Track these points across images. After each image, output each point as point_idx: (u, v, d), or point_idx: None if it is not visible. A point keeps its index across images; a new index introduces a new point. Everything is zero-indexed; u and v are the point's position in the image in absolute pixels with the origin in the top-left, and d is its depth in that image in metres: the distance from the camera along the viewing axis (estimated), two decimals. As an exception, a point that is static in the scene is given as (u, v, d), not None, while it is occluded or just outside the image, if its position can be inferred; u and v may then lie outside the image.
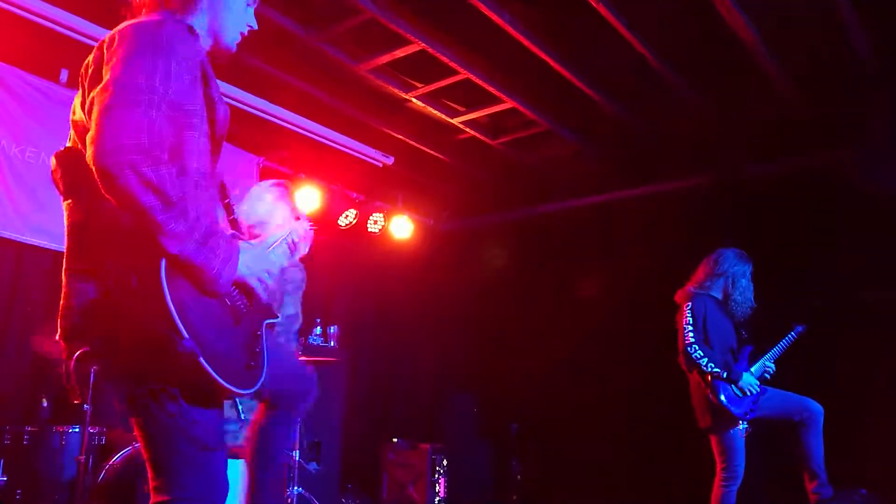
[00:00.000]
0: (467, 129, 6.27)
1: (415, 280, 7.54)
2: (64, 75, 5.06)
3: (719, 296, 4.43)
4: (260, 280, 1.88)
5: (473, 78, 5.31)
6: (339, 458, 6.19)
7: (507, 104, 5.73)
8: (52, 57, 4.97)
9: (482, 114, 6.02)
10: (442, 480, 6.40)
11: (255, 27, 2.10)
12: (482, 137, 6.39)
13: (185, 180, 1.79)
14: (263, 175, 6.37)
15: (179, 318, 1.65)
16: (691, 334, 4.17)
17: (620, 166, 6.54)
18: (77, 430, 4.01)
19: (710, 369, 4.12)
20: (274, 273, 1.93)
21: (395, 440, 6.67)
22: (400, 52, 5.08)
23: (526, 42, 4.80)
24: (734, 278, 4.41)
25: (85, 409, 3.85)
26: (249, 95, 5.46)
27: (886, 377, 5.18)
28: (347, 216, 6.76)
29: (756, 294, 4.40)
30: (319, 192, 6.36)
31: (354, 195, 6.89)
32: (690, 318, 4.21)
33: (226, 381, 1.73)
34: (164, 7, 1.92)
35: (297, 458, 4.90)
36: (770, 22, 4.59)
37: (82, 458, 3.83)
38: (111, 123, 1.62)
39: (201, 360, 1.67)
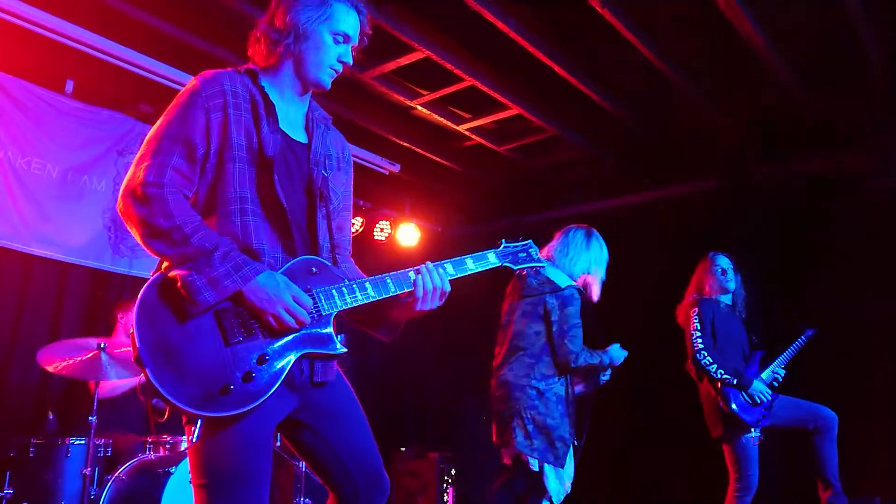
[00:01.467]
0: (473, 136, 6.24)
1: (423, 287, 7.49)
2: (69, 86, 5.08)
3: (728, 300, 4.37)
4: (276, 313, 1.84)
5: (479, 84, 5.29)
6: (347, 467, 6.14)
7: (513, 110, 5.70)
8: (58, 68, 4.99)
9: (488, 120, 6.00)
10: (451, 490, 6.35)
11: (349, 62, 2.18)
12: (488, 144, 6.37)
13: (208, 202, 1.94)
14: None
15: (138, 327, 1.73)
16: (699, 340, 4.10)
17: (627, 170, 6.49)
18: (83, 441, 3.99)
19: (719, 376, 4.05)
20: (304, 307, 1.89)
21: (403, 449, 6.62)
22: (405, 60, 5.06)
23: (530, 47, 4.77)
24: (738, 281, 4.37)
25: (90, 420, 3.83)
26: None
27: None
28: (354, 224, 6.74)
29: (765, 298, 4.34)
30: (326, 201, 6.33)
31: (361, 203, 6.88)
32: (698, 324, 4.14)
33: (175, 399, 1.70)
34: (252, 61, 2.15)
35: (304, 468, 4.86)
36: (777, 24, 4.55)
37: (88, 470, 3.81)
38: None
39: (148, 371, 1.70)
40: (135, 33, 4.69)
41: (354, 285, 2.01)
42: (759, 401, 4.05)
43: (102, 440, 4.10)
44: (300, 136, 2.14)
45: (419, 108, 5.77)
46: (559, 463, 3.46)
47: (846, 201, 5.41)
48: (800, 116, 5.52)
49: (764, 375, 4.19)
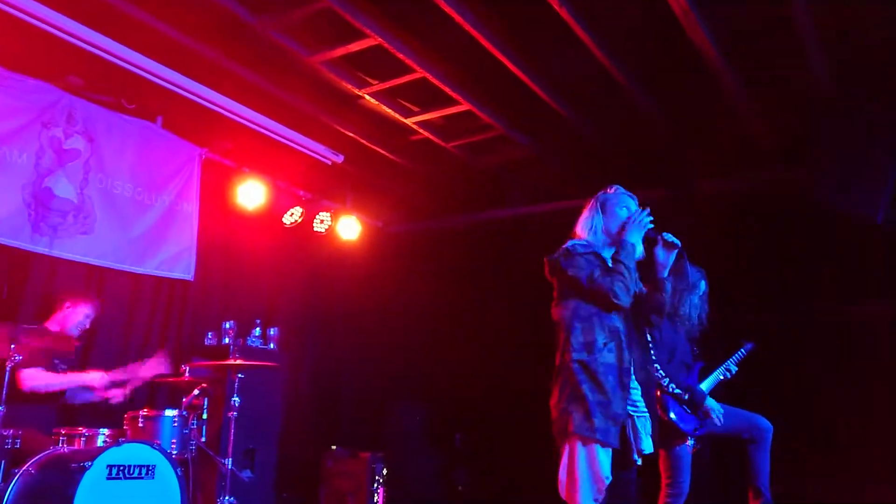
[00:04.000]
0: (421, 130, 6.11)
1: (361, 283, 7.34)
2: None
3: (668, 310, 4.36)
4: None
5: (430, 77, 5.17)
6: (275, 465, 5.95)
7: (464, 106, 5.60)
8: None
9: (437, 115, 5.88)
10: (381, 490, 6.21)
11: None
12: (436, 139, 6.25)
13: None
14: (205, 167, 6.10)
15: None
16: (653, 354, 4.08)
17: (575, 175, 6.47)
18: (-11, 432, 3.69)
19: (672, 390, 4.06)
20: None
21: (334, 448, 6.45)
22: (355, 46, 4.89)
23: (487, 44, 4.67)
24: (682, 294, 4.35)
25: (-2, 410, 3.55)
26: (192, 82, 5.20)
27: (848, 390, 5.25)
28: (293, 214, 6.53)
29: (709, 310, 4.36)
30: (264, 188, 6.13)
31: (301, 193, 6.67)
32: (649, 337, 4.13)
33: None
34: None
35: (230, 466, 4.65)
36: (732, 39, 4.59)
37: (-7, 463, 3.53)
38: None
39: None
40: (68, -1, 4.40)
41: None
42: (714, 419, 4.08)
43: (11, 431, 3.80)
44: None
45: (367, 97, 5.61)
46: None
47: (795, 217, 5.51)
48: (751, 132, 5.59)
49: (705, 387, 4.22)
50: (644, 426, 3.12)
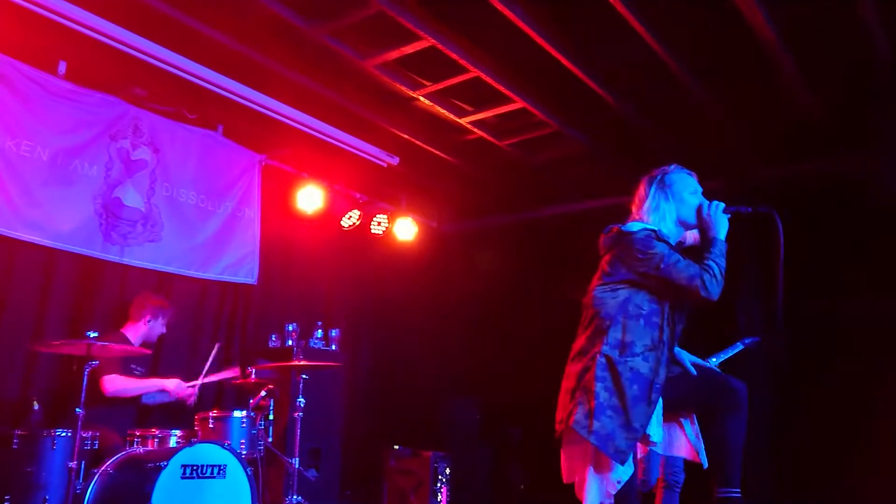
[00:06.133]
0: (475, 130, 6.12)
1: (418, 283, 7.39)
2: (62, 67, 4.92)
3: None
4: None
5: (483, 76, 5.17)
6: (339, 464, 6.04)
7: (517, 104, 5.59)
8: (51, 48, 4.84)
9: (490, 114, 5.88)
10: (444, 489, 6.24)
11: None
12: (490, 138, 6.25)
13: None
14: (265, 173, 6.24)
15: None
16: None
17: (630, 169, 6.37)
18: (69, 434, 3.85)
19: None
20: None
21: (396, 447, 6.50)
22: (408, 49, 4.93)
23: (537, 38, 4.65)
24: None
25: (77, 412, 3.69)
26: (250, 90, 5.32)
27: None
28: (350, 217, 6.62)
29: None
30: (322, 192, 6.23)
31: (358, 195, 6.76)
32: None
33: None
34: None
35: (297, 466, 4.74)
36: (790, 22, 4.46)
37: (73, 463, 3.67)
38: None
39: None
40: (130, 13, 4.54)
41: None
42: None
43: (89, 433, 3.95)
44: None
45: (421, 98, 5.65)
46: None
47: (853, 204, 5.34)
48: (809, 118, 5.43)
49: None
50: (657, 413, 2.78)
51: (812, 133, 5.56)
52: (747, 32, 4.49)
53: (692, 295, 2.76)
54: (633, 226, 2.90)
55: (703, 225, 2.90)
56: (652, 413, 2.73)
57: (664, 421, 2.88)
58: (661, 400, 2.78)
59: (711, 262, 2.77)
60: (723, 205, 2.88)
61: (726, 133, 5.79)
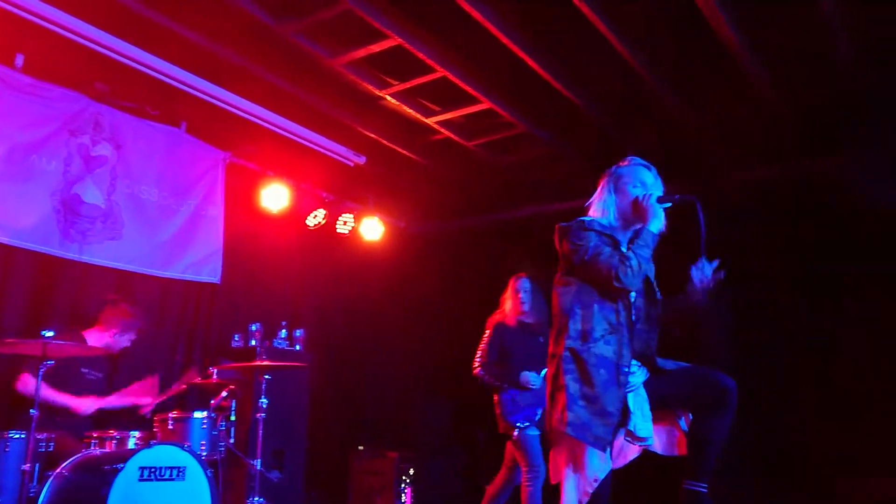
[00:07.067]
0: (442, 130, 6.11)
1: (385, 283, 7.36)
2: (19, 60, 4.80)
3: (527, 319, 5.13)
4: None
5: (450, 76, 5.16)
6: (304, 465, 5.98)
7: (484, 104, 5.59)
8: (7, 40, 4.71)
9: (458, 114, 5.87)
10: (408, 489, 6.22)
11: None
12: (457, 138, 6.24)
13: None
14: (230, 171, 6.16)
15: None
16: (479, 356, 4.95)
17: (598, 171, 6.42)
18: (23, 436, 3.75)
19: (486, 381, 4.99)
20: None
21: (361, 448, 6.47)
22: (376, 47, 4.91)
23: (505, 40, 4.65)
24: None
25: (32, 413, 3.60)
26: (215, 87, 5.24)
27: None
28: (316, 216, 6.57)
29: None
30: (288, 191, 6.17)
31: (324, 195, 6.71)
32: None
33: None
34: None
35: (259, 467, 4.69)
36: (752, 22, 4.51)
37: (27, 465, 3.58)
38: None
39: None
40: (92, 6, 4.44)
41: None
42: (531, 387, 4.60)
43: (45, 434, 3.86)
44: None
45: (388, 98, 5.62)
46: None
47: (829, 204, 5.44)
48: (775, 121, 5.51)
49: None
50: (641, 406, 2.82)
51: (781, 135, 5.64)
52: (713, 35, 4.54)
53: (609, 284, 2.81)
54: (587, 217, 3.01)
55: (636, 215, 2.96)
56: (624, 396, 2.77)
57: (663, 424, 2.93)
58: (646, 397, 2.84)
59: (631, 253, 2.84)
60: (655, 195, 2.93)
61: (695, 136, 5.85)
